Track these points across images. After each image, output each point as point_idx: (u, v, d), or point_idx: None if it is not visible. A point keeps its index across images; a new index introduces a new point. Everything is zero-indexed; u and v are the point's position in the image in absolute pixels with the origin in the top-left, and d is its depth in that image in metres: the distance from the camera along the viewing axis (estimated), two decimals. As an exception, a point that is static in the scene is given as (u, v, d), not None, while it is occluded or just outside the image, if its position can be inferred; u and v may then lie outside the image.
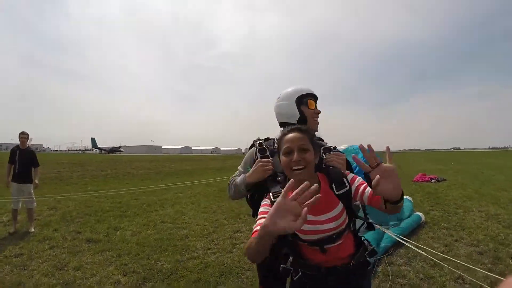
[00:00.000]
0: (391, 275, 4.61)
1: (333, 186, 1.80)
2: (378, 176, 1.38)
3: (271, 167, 2.05)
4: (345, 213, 1.79)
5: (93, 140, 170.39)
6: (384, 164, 1.43)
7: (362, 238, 1.92)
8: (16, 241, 6.06)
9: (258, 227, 1.57)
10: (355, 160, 1.52)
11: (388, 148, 1.54)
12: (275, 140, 2.35)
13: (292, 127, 1.90)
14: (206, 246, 5.92)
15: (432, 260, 4.97)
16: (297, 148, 1.74)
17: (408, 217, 6.97)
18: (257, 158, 2.17)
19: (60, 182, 16.46)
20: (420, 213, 7.41)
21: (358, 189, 1.77)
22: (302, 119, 2.33)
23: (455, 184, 14.46)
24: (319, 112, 2.39)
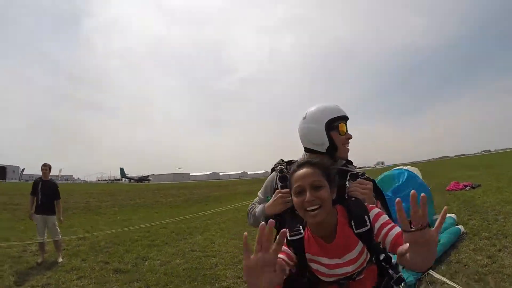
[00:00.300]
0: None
1: (352, 223, 1.60)
2: (408, 244, 1.20)
3: (289, 200, 1.84)
4: (365, 253, 1.63)
5: (121, 169, 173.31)
6: (430, 230, 1.15)
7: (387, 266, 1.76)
8: (44, 271, 5.97)
9: None
10: (397, 207, 1.17)
11: (445, 211, 1.16)
12: None
13: (302, 161, 1.72)
14: (237, 275, 5.66)
15: (476, 275, 4.72)
16: (309, 186, 1.56)
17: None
18: (277, 187, 2.00)
19: (89, 212, 16.52)
20: (459, 226, 6.96)
21: (381, 230, 1.56)
22: (332, 148, 2.03)
23: (490, 189, 13.44)
24: (350, 137, 2.07)
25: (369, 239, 1.58)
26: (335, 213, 1.65)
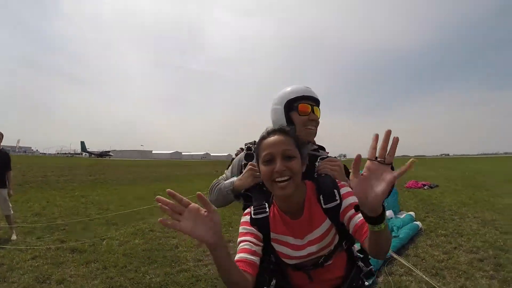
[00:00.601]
0: (393, 286, 4.44)
1: (321, 198, 1.50)
2: (366, 175, 1.05)
3: (258, 175, 1.70)
4: (333, 231, 1.52)
5: (82, 143, 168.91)
6: (391, 170, 1.03)
7: (357, 256, 1.67)
8: (-4, 249, 5.72)
9: (240, 254, 1.45)
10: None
11: (412, 162, 0.97)
12: None
13: (274, 128, 1.56)
14: (197, 258, 5.63)
15: (433, 269, 4.95)
16: (281, 155, 1.43)
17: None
18: (243, 165, 1.93)
19: (46, 187, 16.01)
20: (417, 222, 7.28)
21: (348, 210, 1.44)
22: None
23: (447, 191, 14.51)
24: (314, 119, 1.93)
25: (337, 216, 1.48)
26: (304, 188, 1.56)
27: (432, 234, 6.95)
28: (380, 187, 1.01)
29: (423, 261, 5.36)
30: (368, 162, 1.06)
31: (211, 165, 58.43)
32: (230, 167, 2.12)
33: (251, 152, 1.95)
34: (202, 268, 5.19)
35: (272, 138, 1.48)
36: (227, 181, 1.94)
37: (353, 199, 1.44)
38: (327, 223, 1.49)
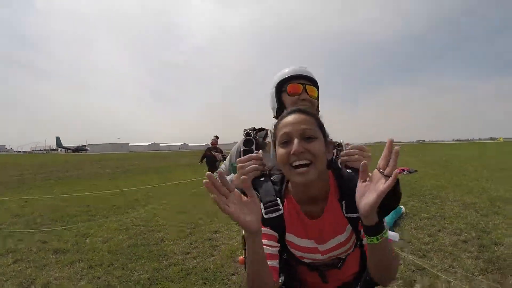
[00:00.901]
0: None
1: (343, 204, 1.28)
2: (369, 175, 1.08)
3: (254, 168, 1.48)
4: (353, 237, 1.35)
5: (57, 139, 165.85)
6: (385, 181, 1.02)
7: None
8: (-26, 256, 5.47)
9: None
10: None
11: (397, 150, 1.04)
12: (270, 131, 1.93)
13: (293, 108, 1.36)
14: (185, 250, 5.55)
15: (420, 251, 5.08)
16: (299, 135, 1.21)
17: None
18: (243, 150, 1.84)
19: (24, 186, 15.61)
20: (400, 206, 7.38)
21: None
22: (281, 111, 1.82)
23: (427, 176, 14.90)
24: (305, 98, 1.81)
25: (357, 224, 1.28)
26: (327, 178, 1.34)
27: (415, 217, 7.13)
28: (371, 197, 1.02)
29: (409, 243, 5.47)
30: (374, 170, 1.07)
31: (189, 155, 58.17)
32: (228, 157, 2.04)
33: (250, 137, 1.88)
34: (191, 261, 5.11)
35: (290, 117, 1.29)
36: (227, 178, 1.81)
37: None
38: (348, 229, 1.31)
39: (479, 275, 4.26)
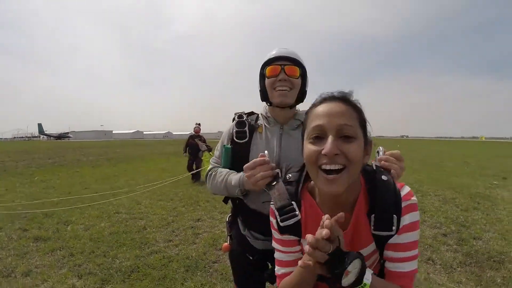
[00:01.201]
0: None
1: (372, 217, 1.08)
2: None
3: (263, 176, 1.31)
4: (375, 256, 1.16)
5: (39, 125, 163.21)
6: None
7: None
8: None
9: (284, 269, 1.21)
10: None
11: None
12: (260, 115, 1.93)
13: (331, 93, 1.11)
14: (167, 238, 5.57)
15: None
16: (335, 132, 0.99)
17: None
18: (236, 131, 1.83)
19: (4, 174, 15.35)
20: None
21: (394, 250, 1.10)
22: (264, 95, 1.82)
23: (408, 170, 14.94)
24: (283, 79, 1.72)
25: (384, 244, 1.11)
26: (359, 186, 1.13)
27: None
28: None
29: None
30: None
31: (173, 144, 57.89)
32: (220, 141, 1.98)
33: (243, 119, 1.86)
34: (173, 248, 5.12)
35: (327, 106, 1.05)
36: (235, 177, 1.68)
37: (413, 237, 1.09)
38: (372, 246, 1.12)
39: (458, 267, 4.38)
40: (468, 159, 22.82)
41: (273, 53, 1.79)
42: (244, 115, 1.91)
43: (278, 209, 1.18)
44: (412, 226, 1.07)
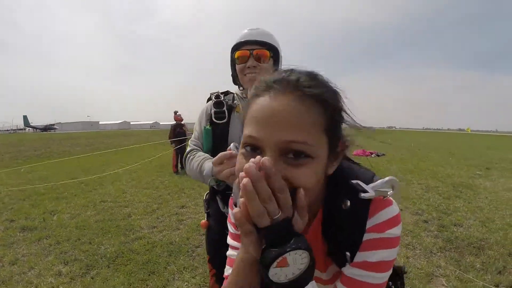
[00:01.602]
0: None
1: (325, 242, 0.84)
2: None
3: (229, 173, 1.29)
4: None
5: (25, 117, 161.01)
6: None
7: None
8: None
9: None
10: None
11: None
12: (236, 95, 1.91)
13: (279, 77, 0.74)
14: (151, 225, 5.69)
15: None
16: (278, 150, 0.68)
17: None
18: (214, 112, 1.80)
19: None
20: None
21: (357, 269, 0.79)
22: (236, 81, 1.87)
23: (394, 159, 15.46)
24: (252, 65, 1.68)
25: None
26: (321, 196, 0.84)
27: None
28: None
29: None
30: None
31: (160, 134, 57.70)
32: (197, 121, 1.93)
33: (220, 99, 1.83)
34: (157, 234, 5.25)
35: (270, 104, 0.70)
36: (207, 164, 1.58)
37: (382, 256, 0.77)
38: (333, 268, 0.87)
39: (437, 252, 4.53)
40: (453, 150, 23.08)
41: (242, 34, 1.75)
42: (220, 95, 1.87)
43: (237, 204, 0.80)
44: (367, 265, 0.77)
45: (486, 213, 6.34)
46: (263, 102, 0.72)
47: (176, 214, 6.29)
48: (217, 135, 1.79)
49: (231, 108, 1.82)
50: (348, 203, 0.77)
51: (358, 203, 0.77)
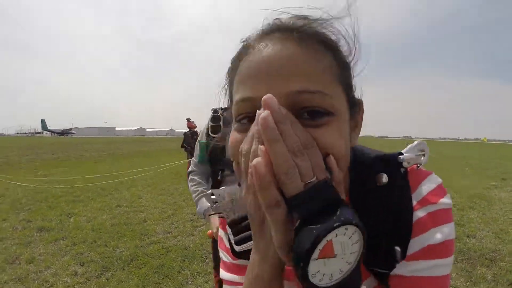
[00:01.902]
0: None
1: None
2: None
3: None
4: None
5: (43, 121, 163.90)
6: None
7: None
8: (-40, 233, 5.57)
9: None
10: None
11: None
12: None
13: (276, 21, 0.57)
14: (166, 230, 5.74)
15: None
16: (286, 105, 0.47)
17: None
18: (211, 126, 1.87)
19: (9, 168, 15.52)
20: None
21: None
22: None
23: None
24: None
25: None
26: (346, 187, 0.66)
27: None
28: None
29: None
30: None
31: (176, 141, 58.11)
32: (199, 137, 2.06)
33: (217, 114, 1.88)
34: (171, 239, 5.30)
35: (267, 53, 0.52)
36: (200, 202, 1.90)
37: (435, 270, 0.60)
38: (371, 281, 0.63)
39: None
40: (469, 160, 22.75)
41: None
42: (219, 110, 1.93)
43: (231, 224, 0.68)
44: (432, 250, 0.61)
45: (500, 224, 6.24)
46: (256, 54, 0.53)
47: (191, 220, 6.32)
48: (214, 148, 1.89)
49: (228, 122, 1.83)
50: (385, 177, 0.61)
51: (396, 176, 0.62)
